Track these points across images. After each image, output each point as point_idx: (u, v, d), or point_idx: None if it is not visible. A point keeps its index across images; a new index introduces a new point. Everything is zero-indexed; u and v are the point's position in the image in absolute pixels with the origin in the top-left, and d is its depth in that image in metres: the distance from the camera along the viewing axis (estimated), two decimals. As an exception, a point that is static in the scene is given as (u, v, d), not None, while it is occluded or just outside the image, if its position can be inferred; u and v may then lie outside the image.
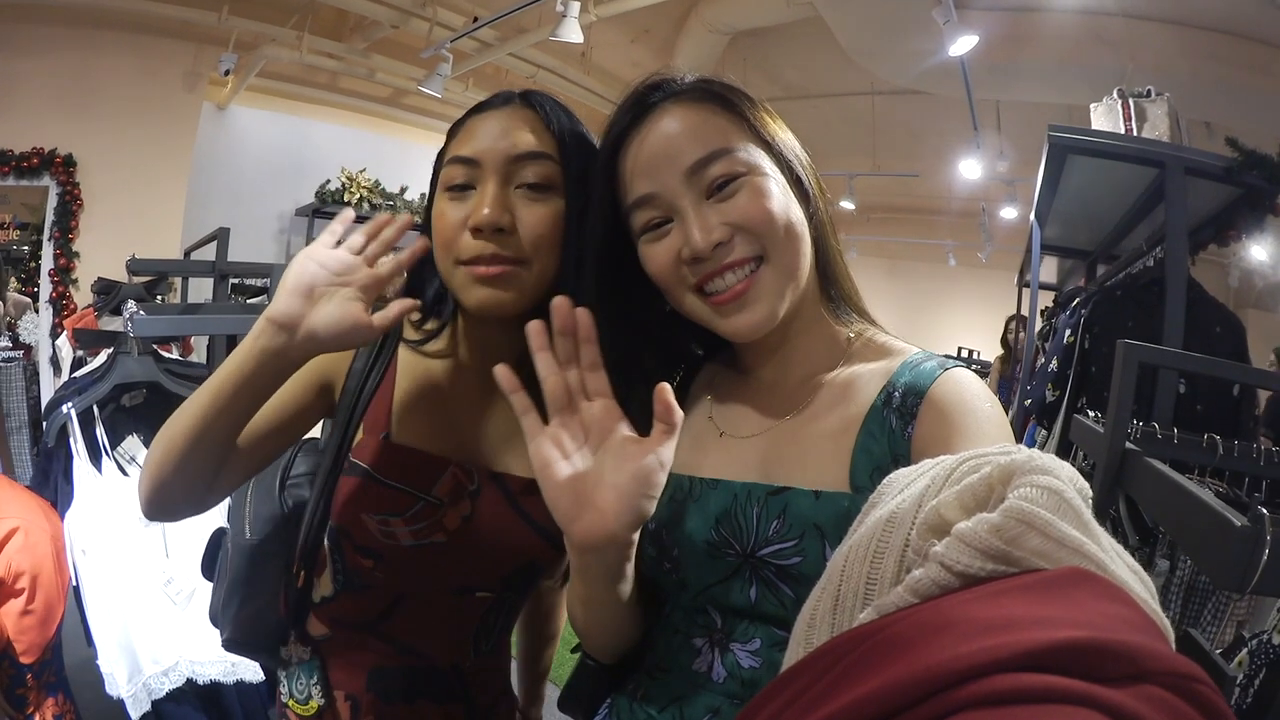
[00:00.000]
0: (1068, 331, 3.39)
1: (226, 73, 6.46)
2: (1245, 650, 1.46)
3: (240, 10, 6.18)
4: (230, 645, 1.26)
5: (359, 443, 1.17)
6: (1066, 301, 4.12)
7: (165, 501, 1.09)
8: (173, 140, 6.60)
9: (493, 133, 1.14)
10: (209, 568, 1.36)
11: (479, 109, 1.21)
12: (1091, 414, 2.28)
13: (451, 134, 1.21)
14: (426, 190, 1.25)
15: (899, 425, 0.93)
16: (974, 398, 0.91)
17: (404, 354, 1.23)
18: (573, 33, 5.14)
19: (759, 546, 0.94)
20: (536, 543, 1.21)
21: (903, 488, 0.63)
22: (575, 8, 5.08)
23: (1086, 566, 0.49)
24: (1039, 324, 4.81)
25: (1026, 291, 6.69)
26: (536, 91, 1.23)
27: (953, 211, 11.48)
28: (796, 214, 1.00)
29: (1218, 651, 1.41)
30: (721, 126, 1.00)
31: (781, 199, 0.98)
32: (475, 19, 6.35)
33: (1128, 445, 1.81)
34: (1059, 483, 0.52)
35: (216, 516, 2.57)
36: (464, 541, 1.17)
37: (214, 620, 1.30)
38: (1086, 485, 0.55)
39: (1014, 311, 7.29)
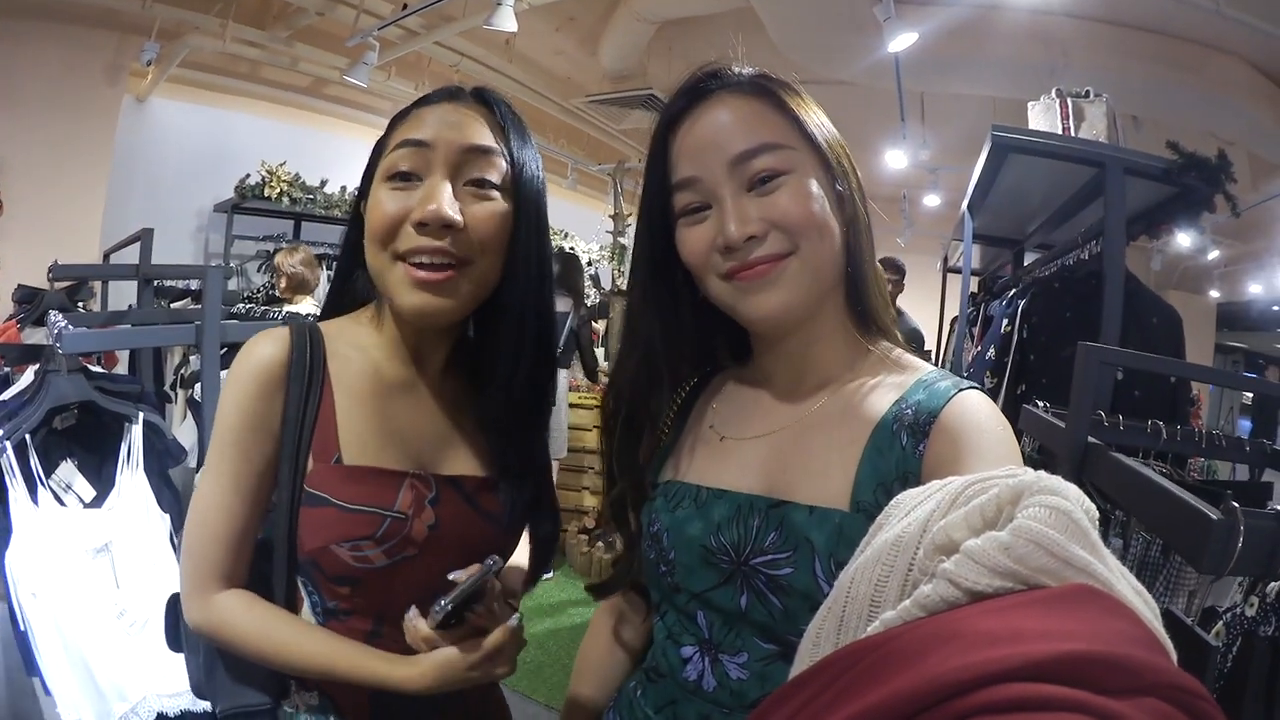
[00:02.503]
0: (1005, 321, 3.49)
1: (148, 63, 6.24)
2: (1220, 623, 1.57)
3: (163, -3, 5.97)
4: (228, 717, 1.18)
5: (312, 471, 1.12)
6: (1000, 290, 4.21)
7: None
8: (93, 136, 6.36)
9: (445, 121, 1.12)
10: (173, 638, 1.27)
11: (427, 100, 1.18)
12: (1040, 404, 2.33)
13: (396, 122, 1.18)
14: (346, 184, 1.22)
15: (910, 443, 0.94)
16: (987, 420, 0.92)
17: (335, 366, 1.17)
18: (507, 21, 5.04)
19: (753, 555, 0.96)
20: (499, 535, 1.22)
21: (909, 509, 0.63)
22: (511, -5, 4.99)
23: (1093, 585, 0.50)
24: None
25: (951, 277, 6.87)
26: (489, 89, 1.22)
27: (875, 198, 11.49)
28: (832, 220, 1.00)
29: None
30: (772, 122, 1.01)
31: (820, 203, 0.99)
32: (405, 5, 6.21)
33: (1090, 440, 1.86)
34: (1067, 503, 0.52)
35: (165, 567, 2.43)
36: (434, 549, 1.13)
37: (200, 693, 1.22)
38: (1093, 506, 0.56)
39: (937, 296, 7.43)
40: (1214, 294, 10.98)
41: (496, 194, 1.13)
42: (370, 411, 1.16)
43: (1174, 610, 1.45)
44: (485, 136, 1.13)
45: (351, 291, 1.27)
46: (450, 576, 1.06)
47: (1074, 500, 0.53)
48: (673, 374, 1.18)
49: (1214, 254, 9.75)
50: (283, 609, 1.13)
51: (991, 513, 0.55)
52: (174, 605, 1.21)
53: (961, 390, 0.96)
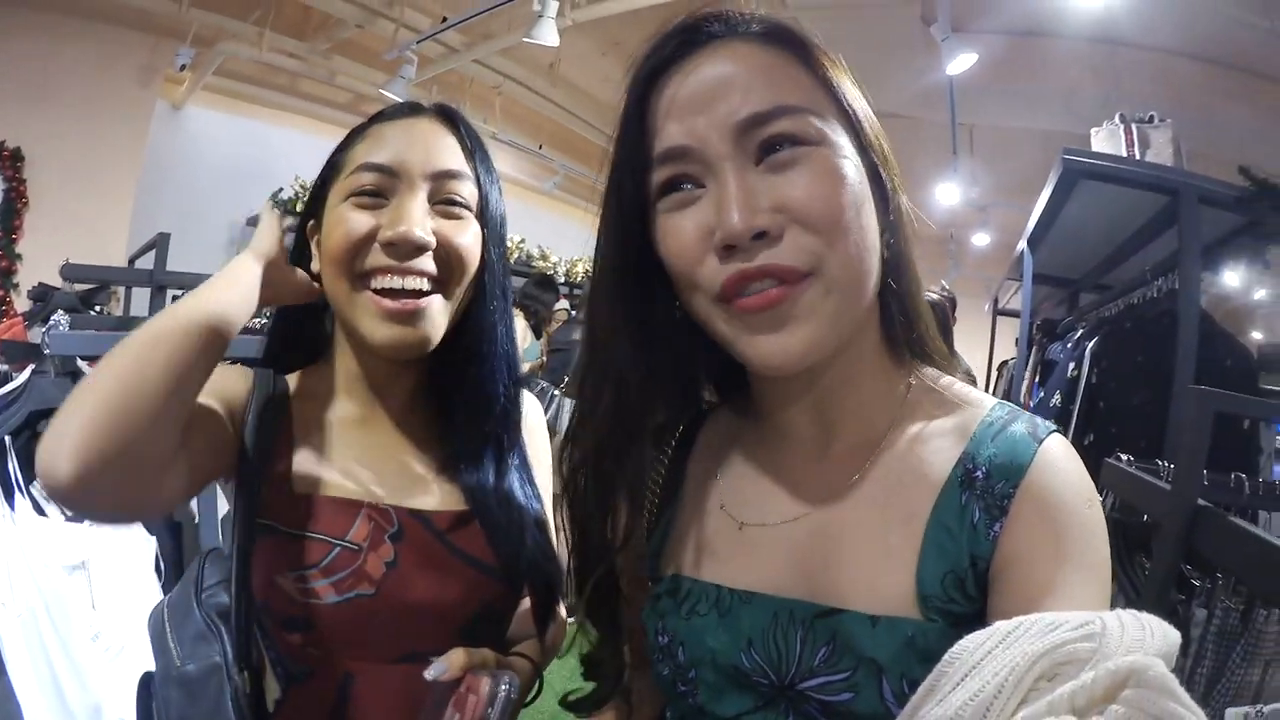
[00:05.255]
0: (1072, 365, 3.25)
1: (183, 68, 6.20)
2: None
3: (202, 2, 5.94)
4: None
5: (264, 499, 1.01)
6: (1062, 332, 4.00)
7: (113, 466, 0.78)
8: (125, 139, 6.35)
9: (411, 143, 1.06)
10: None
11: (387, 116, 1.11)
12: (1124, 457, 2.11)
13: (353, 138, 1.10)
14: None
15: (982, 521, 0.72)
16: (1075, 499, 0.72)
17: (296, 406, 1.10)
18: (549, 34, 4.91)
19: (801, 678, 0.75)
20: (482, 581, 1.05)
21: (966, 672, 0.54)
22: (553, 7, 4.86)
23: None
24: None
25: (1001, 320, 6.67)
26: (450, 106, 1.15)
27: (921, 238, 11.43)
28: (870, 217, 0.76)
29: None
30: (796, 78, 0.76)
31: (857, 190, 0.74)
32: (444, 19, 6.14)
33: (1200, 502, 1.64)
34: (1173, 705, 0.45)
35: (146, 592, 2.26)
36: (395, 592, 0.99)
37: None
38: (1178, 638, 0.52)
39: (985, 339, 7.23)
40: (1256, 335, 10.71)
41: (468, 214, 1.07)
42: (329, 445, 1.08)
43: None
44: (456, 159, 1.08)
45: (303, 341, 1.18)
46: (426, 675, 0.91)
47: (1181, 696, 0.46)
48: (652, 417, 0.91)
49: (1259, 294, 9.49)
50: None
51: (1083, 703, 0.47)
52: (144, 687, 1.06)
53: (1041, 440, 0.75)
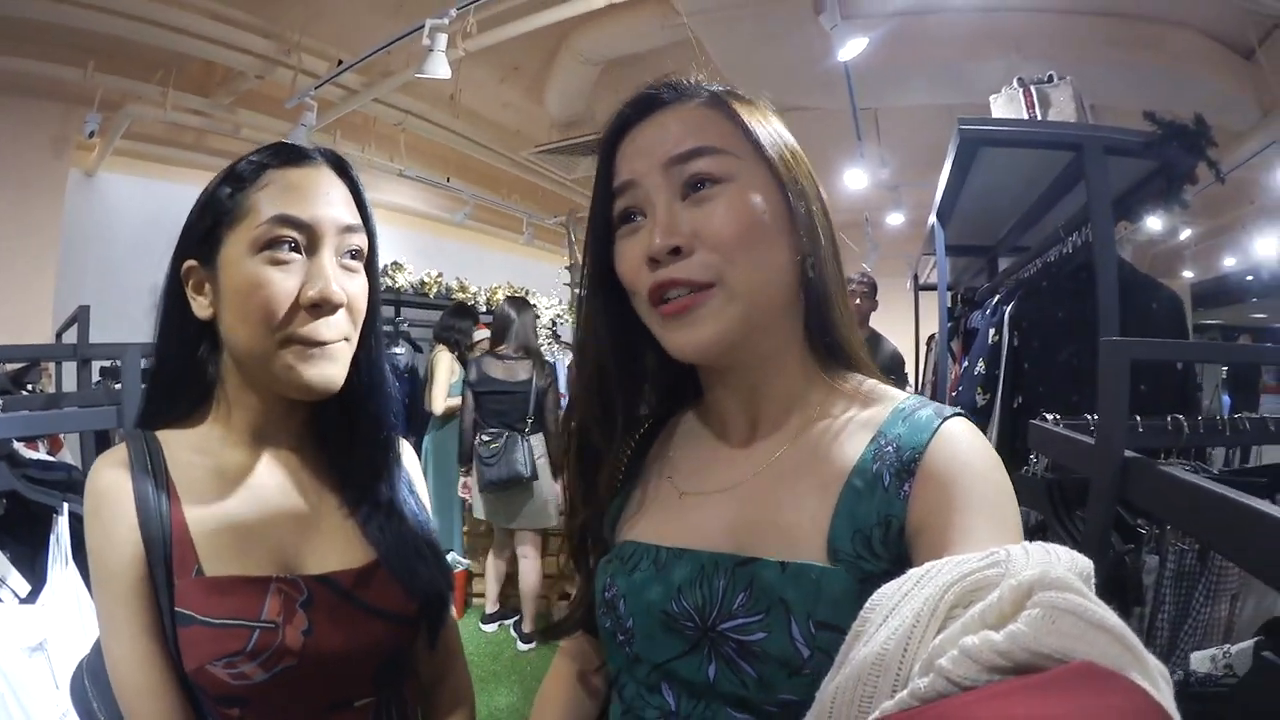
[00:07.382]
0: (992, 330, 3.31)
1: (91, 134, 6.11)
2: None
3: (105, 66, 5.88)
4: None
5: (177, 589, 1.01)
6: (982, 299, 4.05)
7: None
8: (41, 211, 6.28)
9: (320, 195, 1.08)
10: None
11: (283, 160, 1.10)
12: (1050, 417, 2.14)
13: (243, 182, 1.08)
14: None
15: (893, 484, 0.86)
16: (980, 463, 0.85)
17: (177, 474, 1.07)
18: (440, 68, 4.88)
19: (720, 620, 0.88)
20: (389, 631, 1.13)
21: (887, 614, 0.60)
22: (442, 40, 4.84)
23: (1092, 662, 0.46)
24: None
25: (927, 295, 6.76)
26: (338, 154, 1.18)
27: (836, 225, 11.51)
28: (775, 240, 0.93)
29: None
30: (721, 128, 0.95)
31: (761, 220, 0.92)
32: (339, 62, 6.10)
33: (1128, 453, 1.65)
34: (1077, 600, 0.47)
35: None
36: (316, 656, 1.04)
37: None
38: (1088, 564, 0.55)
39: (909, 316, 7.33)
40: (1187, 274, 10.96)
41: (361, 265, 1.13)
42: (222, 515, 1.08)
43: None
44: (353, 212, 1.12)
45: (189, 394, 1.15)
46: None
47: (1087, 593, 0.48)
48: (627, 395, 1.10)
49: (1185, 234, 9.73)
50: None
51: (994, 620, 0.51)
52: None
53: (945, 420, 0.89)
